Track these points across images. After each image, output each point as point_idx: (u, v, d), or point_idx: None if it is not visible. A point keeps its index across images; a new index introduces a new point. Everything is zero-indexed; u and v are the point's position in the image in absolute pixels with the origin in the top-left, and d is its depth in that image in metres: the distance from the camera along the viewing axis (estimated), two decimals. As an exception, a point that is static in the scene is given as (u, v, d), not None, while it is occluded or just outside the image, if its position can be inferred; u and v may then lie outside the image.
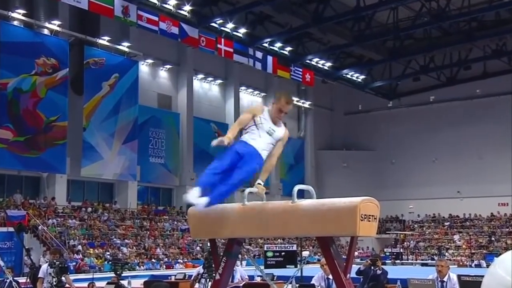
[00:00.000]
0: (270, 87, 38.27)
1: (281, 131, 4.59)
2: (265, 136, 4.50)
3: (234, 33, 30.66)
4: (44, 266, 8.97)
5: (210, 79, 35.15)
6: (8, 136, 23.76)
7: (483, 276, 4.38)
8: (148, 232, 28.21)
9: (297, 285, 10.78)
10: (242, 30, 30.92)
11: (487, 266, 23.38)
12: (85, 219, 26.39)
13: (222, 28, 30.22)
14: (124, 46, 28.41)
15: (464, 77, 38.68)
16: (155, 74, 32.19)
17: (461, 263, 31.89)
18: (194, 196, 4.27)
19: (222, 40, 29.97)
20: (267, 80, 37.99)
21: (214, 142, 4.37)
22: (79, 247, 23.82)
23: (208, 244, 5.52)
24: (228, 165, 4.40)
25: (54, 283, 8.55)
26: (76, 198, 27.79)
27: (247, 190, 4.44)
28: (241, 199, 4.44)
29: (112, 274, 12.36)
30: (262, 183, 4.49)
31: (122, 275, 11.49)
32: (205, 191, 4.34)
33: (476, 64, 37.02)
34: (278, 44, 33.50)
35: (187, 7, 28.02)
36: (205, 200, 4.27)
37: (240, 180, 4.39)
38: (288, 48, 34.06)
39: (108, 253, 24.36)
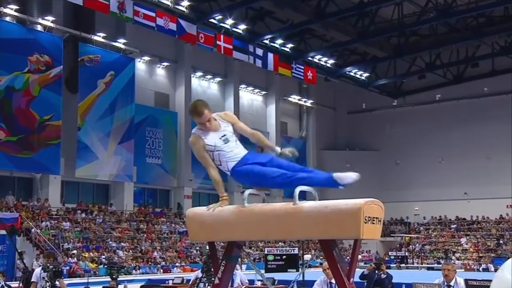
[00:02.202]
0: (271, 85, 38.30)
1: (226, 125, 4.55)
2: (230, 145, 4.48)
3: (234, 29, 30.66)
4: (37, 270, 8.96)
5: (209, 76, 35.16)
6: (0, 135, 23.77)
7: (490, 280, 4.38)
8: (145, 235, 28.21)
9: (298, 289, 10.78)
10: (242, 26, 30.91)
11: (495, 270, 23.35)
12: (80, 222, 26.40)
13: (221, 24, 30.21)
14: (120, 43, 28.42)
15: (472, 74, 38.69)
16: (152, 71, 32.20)
17: (468, 267, 31.89)
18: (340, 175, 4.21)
19: (221, 36, 29.97)
20: (267, 78, 38.01)
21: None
22: (74, 250, 23.81)
23: (207, 248, 5.53)
24: (277, 164, 4.41)
25: (48, 288, 8.54)
26: (70, 199, 27.80)
27: (247, 191, 4.44)
28: (241, 201, 4.44)
29: (108, 278, 12.37)
30: (279, 149, 4.52)
31: (118, 279, 11.50)
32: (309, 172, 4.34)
33: (484, 61, 37.01)
34: (279, 41, 33.50)
35: (185, 3, 28.04)
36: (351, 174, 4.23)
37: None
38: (290, 45, 34.06)
39: (104, 256, 24.36)
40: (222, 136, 4.50)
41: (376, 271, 10.81)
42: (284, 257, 15.65)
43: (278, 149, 4.52)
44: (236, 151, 4.48)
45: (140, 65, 31.13)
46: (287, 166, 4.38)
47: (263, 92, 38.60)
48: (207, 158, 4.48)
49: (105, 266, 21.10)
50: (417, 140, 40.69)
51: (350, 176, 4.19)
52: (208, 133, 4.50)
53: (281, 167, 4.36)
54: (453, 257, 34.92)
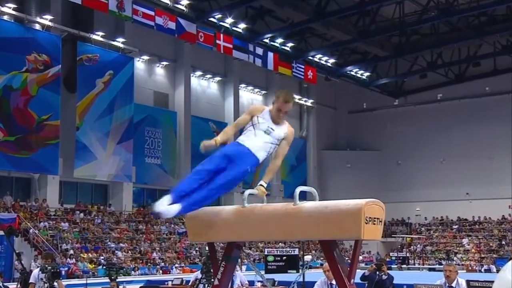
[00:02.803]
0: (271, 84, 38.28)
1: (282, 130, 4.53)
2: (262, 135, 4.45)
3: (234, 28, 30.66)
4: (36, 271, 8.96)
5: (208, 76, 35.16)
6: (-2, 135, 23.79)
7: (492, 281, 4.38)
8: (144, 236, 28.22)
9: (299, 291, 10.78)
10: (242, 25, 30.92)
11: (497, 271, 23.36)
12: (78, 222, 26.40)
13: (221, 23, 30.21)
14: (119, 42, 28.41)
15: (473, 74, 38.70)
16: (151, 71, 32.20)
17: (470, 268, 31.90)
18: (163, 204, 4.12)
19: (221, 35, 29.96)
20: (267, 78, 38.01)
21: (202, 146, 4.34)
22: (72, 251, 23.82)
23: (207, 248, 5.52)
24: (213, 168, 4.31)
25: (46, 289, 8.55)
26: (68, 200, 27.80)
27: (247, 191, 4.44)
28: (241, 201, 4.44)
29: (107, 279, 12.37)
30: (265, 185, 4.44)
31: (117, 280, 11.50)
32: (180, 197, 4.20)
33: (486, 60, 37.01)
34: (279, 40, 33.51)
35: (185, 1, 28.06)
36: (175, 208, 4.12)
37: (221, 185, 4.28)
38: (290, 44, 34.07)
39: (102, 257, 24.38)
40: (270, 129, 4.50)
41: (377, 272, 10.80)
42: (284, 258, 15.67)
43: (255, 191, 4.44)
44: (247, 143, 4.43)
45: (139, 65, 31.13)
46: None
47: (263, 92, 38.59)
48: (243, 122, 4.53)
49: (104, 267, 21.16)
50: (419, 140, 40.69)
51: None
52: (270, 118, 4.52)
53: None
54: (455, 258, 34.95)
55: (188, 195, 4.23)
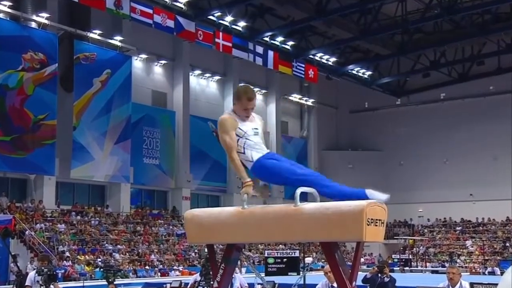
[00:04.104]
0: (271, 83, 38.30)
1: (259, 123, 4.60)
2: (258, 138, 4.50)
3: (233, 26, 30.67)
4: (32, 274, 8.98)
5: (207, 75, 35.16)
6: (-6, 135, 23.79)
7: (496, 284, 4.38)
8: (142, 237, 28.21)
9: (299, 293, 10.79)
10: (242, 23, 30.94)
11: (501, 273, 23.38)
12: (75, 224, 26.40)
13: (220, 21, 30.23)
14: (117, 40, 28.41)
15: (477, 73, 38.71)
16: (149, 70, 32.20)
17: (473, 270, 31.90)
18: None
19: (220, 34, 29.98)
20: (268, 76, 38.01)
21: (244, 197, 4.29)
22: (69, 253, 23.81)
23: (206, 250, 5.53)
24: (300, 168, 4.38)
25: (42, 292, 8.55)
26: (65, 201, 27.79)
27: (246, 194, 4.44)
28: (241, 202, 4.44)
29: (104, 282, 12.38)
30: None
31: (115, 282, 11.51)
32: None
33: (490, 59, 37.04)
34: (280, 38, 33.52)
35: (183, -1, 28.06)
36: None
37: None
38: (290, 43, 34.08)
39: (100, 259, 24.37)
40: (254, 128, 4.52)
41: (379, 275, 10.81)
42: (284, 260, 15.64)
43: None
44: (261, 146, 4.48)
45: (137, 63, 31.13)
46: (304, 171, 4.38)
47: (263, 91, 38.58)
48: (235, 139, 4.40)
49: (101, 270, 21.17)
50: (421, 140, 40.71)
51: (383, 197, 4.06)
52: (244, 120, 4.51)
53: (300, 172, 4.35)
54: (458, 260, 34.90)
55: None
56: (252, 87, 4.66)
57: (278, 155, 4.55)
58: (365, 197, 4.01)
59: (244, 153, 4.44)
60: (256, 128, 4.53)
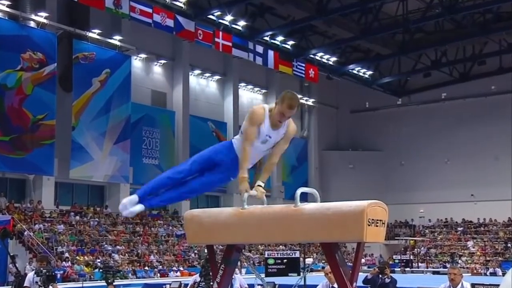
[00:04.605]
0: (271, 83, 38.30)
1: (280, 133, 4.47)
2: (258, 146, 4.42)
3: (233, 26, 30.66)
4: (30, 275, 8.97)
5: (207, 75, 35.16)
6: (-8, 135, 23.79)
7: (498, 285, 4.39)
8: (141, 238, 28.21)
9: (300, 294, 10.79)
10: (242, 23, 30.93)
11: (503, 274, 23.38)
12: (74, 224, 26.40)
13: (220, 21, 30.23)
14: (116, 40, 28.42)
15: (479, 72, 38.69)
16: (148, 69, 32.20)
17: (475, 271, 31.90)
18: (129, 203, 4.32)
19: (220, 33, 29.97)
20: (268, 76, 38.01)
21: (244, 196, 4.26)
22: (68, 254, 23.81)
23: (206, 251, 5.53)
24: (193, 172, 4.41)
25: (41, 293, 8.55)
26: (64, 201, 27.79)
27: (246, 194, 4.43)
28: (241, 202, 4.44)
29: (103, 283, 12.38)
30: (263, 185, 4.43)
31: (114, 283, 11.51)
32: (147, 197, 4.38)
33: (491, 58, 37.01)
34: (280, 38, 33.51)
35: (183, -2, 28.05)
36: (138, 208, 4.33)
37: (195, 189, 4.43)
38: (291, 42, 34.07)
39: (99, 260, 24.36)
40: (266, 138, 4.41)
41: (380, 275, 10.81)
42: (285, 260, 15.63)
43: (254, 193, 4.37)
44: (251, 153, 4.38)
45: (137, 63, 31.13)
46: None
47: (263, 91, 38.60)
48: (255, 132, 4.34)
49: (100, 270, 21.15)
50: (422, 140, 40.70)
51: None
52: (270, 122, 4.39)
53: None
54: (460, 261, 34.90)
55: (156, 194, 4.39)
56: (299, 97, 4.56)
57: (215, 160, 4.42)
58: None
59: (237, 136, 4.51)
60: (270, 137, 4.40)
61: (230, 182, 4.47)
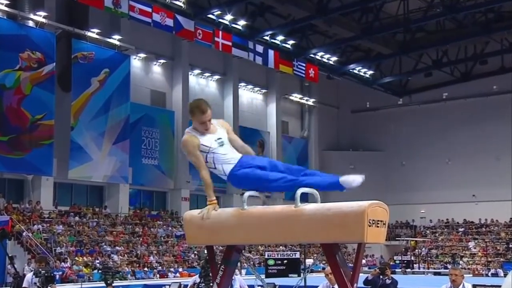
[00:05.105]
0: (271, 83, 38.32)
1: (221, 131, 4.60)
2: (225, 148, 4.52)
3: (233, 25, 30.67)
4: (29, 276, 8.97)
5: (207, 74, 35.16)
6: (-9, 135, 23.79)
7: (499, 286, 4.38)
8: (141, 239, 28.21)
9: (300, 295, 10.78)
10: (242, 22, 30.93)
11: (505, 275, 23.38)
12: (73, 225, 26.40)
13: (220, 20, 30.23)
14: (115, 39, 28.41)
15: (480, 72, 38.71)
16: (148, 69, 32.21)
17: (476, 272, 31.90)
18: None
19: (220, 32, 29.99)
20: (268, 76, 38.02)
21: (205, 216, 4.38)
22: (66, 254, 23.82)
23: (205, 252, 5.54)
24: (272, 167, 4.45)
25: (40, 294, 8.55)
26: (63, 202, 27.80)
27: (247, 193, 4.44)
28: (241, 203, 4.44)
29: (102, 284, 12.37)
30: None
31: (113, 284, 11.51)
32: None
33: (493, 58, 37.03)
34: (280, 37, 33.52)
35: (183, -3, 28.06)
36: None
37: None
38: (291, 42, 34.08)
39: (98, 261, 24.36)
40: (218, 139, 4.53)
41: (381, 276, 10.80)
42: (285, 261, 15.63)
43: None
44: (231, 155, 4.51)
45: (136, 62, 31.13)
46: (286, 169, 4.40)
47: (264, 91, 38.60)
48: (201, 158, 4.47)
49: (99, 271, 21.08)
50: (424, 140, 40.70)
51: (356, 180, 4.20)
52: (204, 134, 4.52)
53: (280, 170, 4.38)
54: (461, 262, 34.93)
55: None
56: (203, 99, 4.64)
57: (252, 157, 4.52)
58: (339, 185, 4.20)
59: (215, 168, 4.52)
60: (220, 138, 4.53)
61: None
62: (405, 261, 34.31)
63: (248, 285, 9.91)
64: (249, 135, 33.65)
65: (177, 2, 28.28)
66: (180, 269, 26.86)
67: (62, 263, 23.04)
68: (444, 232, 40.43)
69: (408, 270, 32.13)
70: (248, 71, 36.05)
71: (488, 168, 38.29)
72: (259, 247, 30.70)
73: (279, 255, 16.70)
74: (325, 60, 36.43)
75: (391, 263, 31.30)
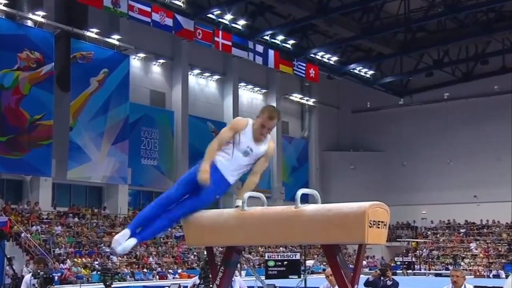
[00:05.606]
0: (271, 83, 38.32)
1: (262, 149, 4.53)
2: (239, 157, 4.47)
3: (233, 25, 30.67)
4: (27, 277, 8.96)
5: (206, 74, 35.17)
6: (-11, 136, 23.79)
7: (501, 287, 4.39)
8: (140, 240, 28.17)
9: (300, 297, 10.75)
10: (242, 22, 30.93)
11: (506, 276, 23.38)
12: (72, 226, 26.39)
13: (220, 20, 30.23)
14: (114, 39, 28.41)
15: (481, 72, 38.71)
16: (147, 69, 32.21)
17: (478, 273, 31.95)
18: (122, 239, 4.33)
19: (220, 32, 29.99)
20: (268, 76, 38.02)
21: (203, 180, 4.31)
22: (65, 256, 23.82)
23: (205, 253, 5.53)
24: (178, 197, 4.42)
25: (38, 295, 8.54)
26: (62, 203, 27.80)
27: (247, 194, 4.44)
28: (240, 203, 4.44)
29: (101, 285, 12.37)
30: (241, 204, 4.41)
31: (112, 286, 11.50)
32: (138, 230, 4.40)
33: (494, 58, 37.04)
34: (280, 37, 33.52)
35: (182, -3, 28.06)
36: (131, 243, 4.34)
37: (184, 213, 4.44)
38: (291, 41, 34.08)
39: (97, 262, 24.37)
40: (248, 150, 4.48)
41: (382, 278, 10.80)
42: (285, 262, 15.67)
43: (239, 201, 4.44)
44: (221, 168, 4.44)
45: (135, 62, 31.14)
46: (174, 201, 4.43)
47: (263, 91, 38.60)
48: (225, 139, 4.44)
49: (98, 273, 21.10)
50: (425, 140, 40.70)
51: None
52: (252, 135, 4.48)
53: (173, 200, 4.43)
54: (462, 263, 34.94)
55: (147, 226, 4.40)
56: (279, 111, 4.62)
57: (193, 180, 4.36)
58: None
59: (215, 158, 4.46)
60: (252, 150, 4.47)
61: (216, 200, 4.48)
62: (406, 262, 34.29)
63: (248, 287, 9.91)
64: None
65: (176, 2, 28.27)
66: (180, 270, 26.85)
67: (61, 264, 23.04)
68: (445, 233, 40.44)
69: (409, 271, 32.13)
70: (248, 71, 36.05)
71: (490, 168, 38.30)
72: (259, 248, 30.71)
73: (279, 256, 16.75)
74: (325, 60, 36.43)
75: (392, 264, 31.27)
